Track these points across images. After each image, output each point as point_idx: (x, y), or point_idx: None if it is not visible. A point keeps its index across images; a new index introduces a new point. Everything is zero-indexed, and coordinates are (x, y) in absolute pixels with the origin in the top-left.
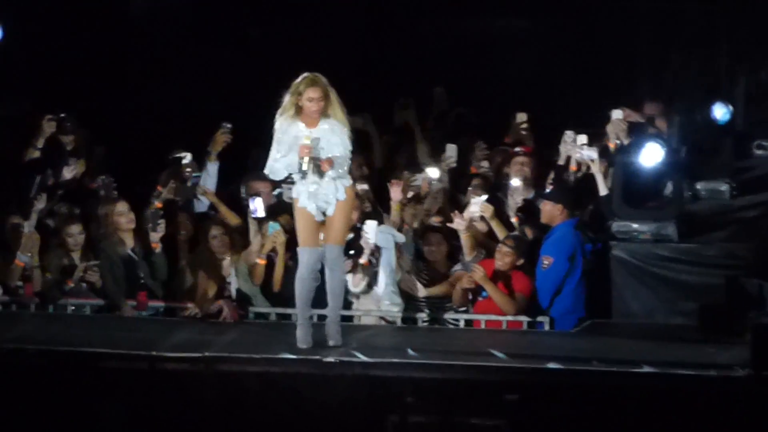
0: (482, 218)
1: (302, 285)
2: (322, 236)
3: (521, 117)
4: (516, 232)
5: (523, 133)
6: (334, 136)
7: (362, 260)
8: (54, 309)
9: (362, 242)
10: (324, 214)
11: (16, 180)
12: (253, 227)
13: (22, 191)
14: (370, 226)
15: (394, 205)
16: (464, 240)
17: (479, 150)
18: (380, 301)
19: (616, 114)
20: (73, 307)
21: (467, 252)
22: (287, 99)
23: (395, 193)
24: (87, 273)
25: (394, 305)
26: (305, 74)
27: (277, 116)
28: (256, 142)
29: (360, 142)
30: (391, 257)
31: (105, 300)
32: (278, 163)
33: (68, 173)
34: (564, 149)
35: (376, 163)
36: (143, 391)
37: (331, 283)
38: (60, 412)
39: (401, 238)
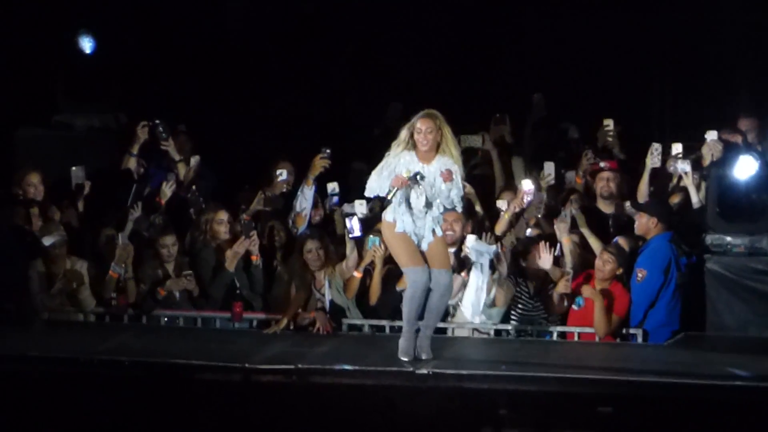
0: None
1: (413, 303)
2: None
3: (608, 123)
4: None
5: (610, 139)
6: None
7: (464, 274)
8: (147, 320)
9: (464, 256)
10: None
11: (113, 191)
12: (349, 244)
13: (119, 201)
14: (470, 240)
15: (505, 216)
16: (566, 247)
17: (586, 159)
18: (472, 314)
19: (711, 135)
20: (167, 319)
21: (568, 262)
22: (402, 132)
23: (506, 203)
24: (184, 279)
25: (487, 317)
26: (425, 110)
27: (392, 146)
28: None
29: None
30: (483, 271)
31: (204, 306)
32: (374, 182)
33: (168, 189)
34: (650, 161)
35: (498, 181)
36: (237, 404)
37: (437, 304)
38: (154, 424)
39: (493, 249)
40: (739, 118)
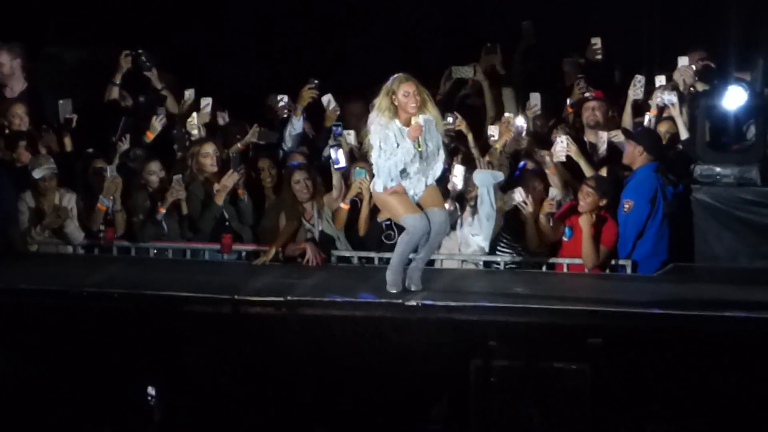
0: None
1: (409, 246)
2: None
3: (596, 41)
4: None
5: (598, 57)
6: (429, 132)
7: (447, 205)
8: (136, 252)
9: (449, 186)
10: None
11: (101, 123)
12: (335, 175)
13: (106, 134)
14: (459, 171)
15: (496, 145)
16: (552, 177)
17: (578, 88)
18: (484, 239)
19: (683, 61)
20: (155, 251)
21: (558, 190)
22: (381, 101)
23: (496, 133)
24: (174, 189)
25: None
26: (395, 75)
27: (371, 121)
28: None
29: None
30: (490, 197)
31: (193, 239)
32: (389, 161)
33: (158, 123)
34: (633, 93)
35: (489, 112)
36: (227, 335)
37: (433, 241)
38: (144, 357)
39: (501, 176)
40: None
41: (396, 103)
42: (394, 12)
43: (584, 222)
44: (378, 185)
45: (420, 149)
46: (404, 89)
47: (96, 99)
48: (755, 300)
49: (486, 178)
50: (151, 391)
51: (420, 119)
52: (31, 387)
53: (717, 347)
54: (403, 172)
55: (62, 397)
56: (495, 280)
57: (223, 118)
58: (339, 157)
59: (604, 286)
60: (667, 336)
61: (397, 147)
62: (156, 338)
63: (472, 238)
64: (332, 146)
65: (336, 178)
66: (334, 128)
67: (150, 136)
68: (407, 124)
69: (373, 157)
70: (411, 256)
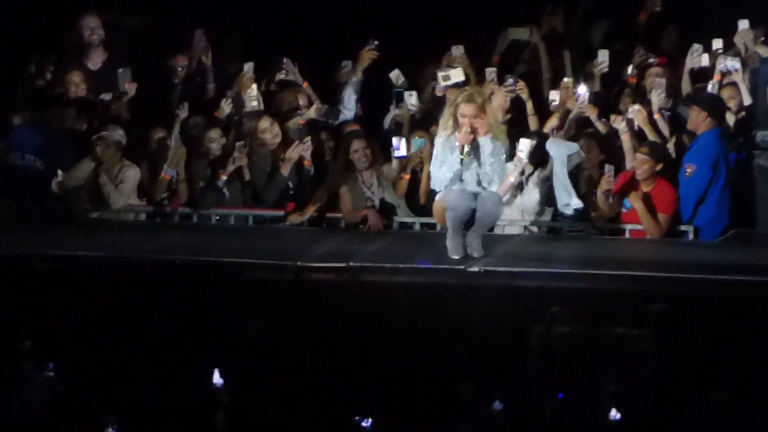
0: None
1: (455, 222)
2: None
3: None
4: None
5: (657, 9)
6: (486, 158)
7: (511, 177)
8: (198, 219)
9: (514, 161)
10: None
11: (160, 92)
12: (395, 162)
13: (165, 102)
14: (524, 144)
15: (557, 113)
16: (626, 145)
17: (638, 55)
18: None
19: (743, 24)
20: (218, 217)
21: (629, 159)
22: (445, 109)
23: (557, 99)
24: (236, 156)
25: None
26: (467, 88)
27: (439, 128)
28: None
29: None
30: (564, 168)
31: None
32: (440, 171)
33: (226, 106)
34: (690, 62)
35: (544, 75)
36: (288, 302)
37: (483, 220)
38: (205, 324)
39: (574, 147)
40: None
41: (456, 118)
42: None
43: (635, 200)
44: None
45: (463, 157)
46: (462, 110)
47: (156, 67)
48: None
49: (560, 149)
50: (217, 375)
51: (469, 132)
52: (91, 357)
53: None
54: (453, 182)
55: (123, 366)
56: (557, 246)
57: (293, 74)
58: (401, 145)
59: (666, 252)
60: (729, 302)
61: (445, 161)
62: (217, 305)
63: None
64: (395, 135)
65: (395, 164)
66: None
67: (218, 115)
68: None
69: (432, 160)
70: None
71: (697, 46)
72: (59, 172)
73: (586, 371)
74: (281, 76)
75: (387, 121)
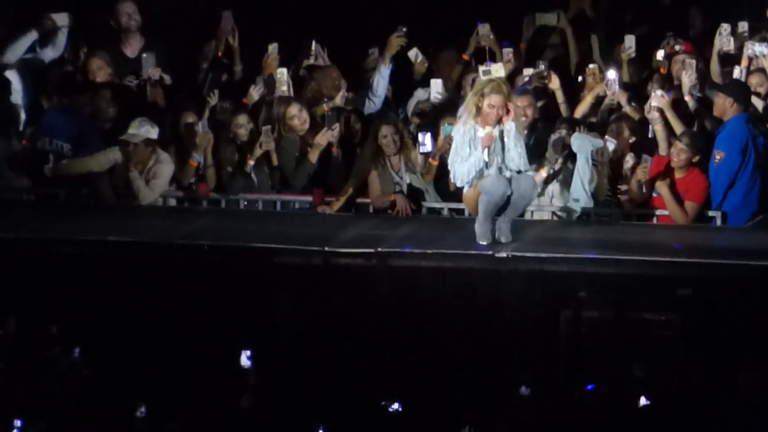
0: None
1: (489, 206)
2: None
3: None
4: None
5: None
6: (510, 142)
7: (542, 171)
8: (226, 204)
9: (547, 155)
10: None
11: (190, 76)
12: (420, 158)
13: (196, 86)
14: (557, 140)
15: (588, 97)
16: (659, 132)
17: (666, 44)
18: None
19: None
20: (246, 202)
21: (663, 146)
22: (470, 98)
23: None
24: (264, 141)
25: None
26: (492, 77)
27: (459, 114)
28: None
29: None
30: (589, 164)
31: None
32: (462, 166)
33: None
34: (719, 42)
35: (573, 59)
36: (317, 287)
37: (517, 204)
38: (233, 308)
39: (599, 143)
40: None
41: (480, 106)
42: None
43: (662, 187)
44: (466, 187)
45: (487, 161)
46: (490, 100)
47: (185, 51)
48: None
49: (584, 144)
50: (245, 356)
51: (495, 131)
52: (120, 341)
53: None
54: (480, 173)
55: (151, 350)
56: (585, 231)
57: (323, 58)
58: (426, 140)
59: (694, 237)
60: (757, 286)
61: (469, 155)
62: (245, 290)
63: (574, 202)
64: (421, 129)
65: (421, 160)
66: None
67: (246, 102)
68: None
69: (450, 154)
70: None
71: (725, 26)
72: (51, 157)
73: (615, 356)
74: (310, 61)
75: (410, 107)
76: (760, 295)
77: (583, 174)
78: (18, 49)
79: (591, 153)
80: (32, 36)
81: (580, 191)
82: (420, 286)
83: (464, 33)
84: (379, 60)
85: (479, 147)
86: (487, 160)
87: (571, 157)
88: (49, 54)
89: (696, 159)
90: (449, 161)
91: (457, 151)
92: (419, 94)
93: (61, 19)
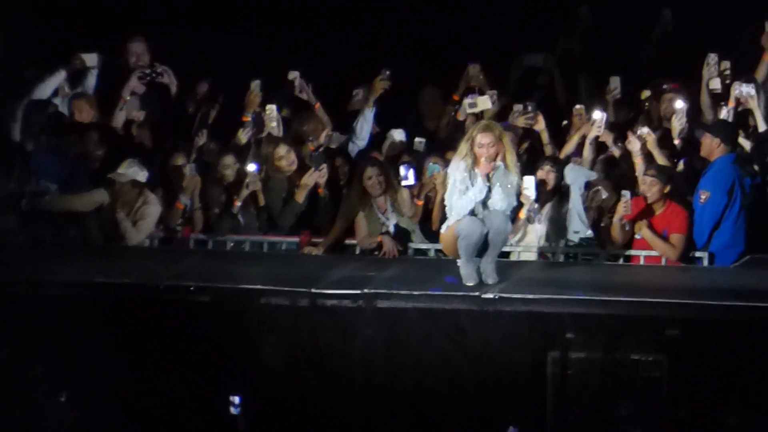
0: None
1: (468, 250)
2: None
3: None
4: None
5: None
6: (496, 183)
7: (521, 214)
8: (213, 245)
9: (522, 198)
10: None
11: (179, 117)
12: (404, 192)
13: (186, 127)
14: (529, 182)
15: (574, 137)
16: (638, 166)
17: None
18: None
19: None
20: (232, 243)
21: (641, 182)
22: (461, 146)
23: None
24: (250, 182)
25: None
26: (482, 120)
27: (451, 163)
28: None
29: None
30: (579, 193)
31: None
32: (461, 200)
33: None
34: (707, 73)
35: (560, 100)
36: (304, 328)
37: (495, 241)
38: (221, 349)
39: (592, 175)
40: None
41: (474, 150)
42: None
43: (643, 231)
44: (444, 227)
45: (490, 184)
46: (480, 139)
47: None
48: None
49: (578, 176)
50: (234, 399)
51: (490, 161)
52: (107, 383)
53: None
54: (471, 213)
55: (139, 392)
56: (571, 272)
57: (307, 93)
58: (409, 174)
59: (681, 278)
60: (745, 328)
61: (467, 189)
62: (233, 331)
63: (574, 234)
64: (403, 163)
65: (405, 194)
66: (402, 172)
67: (234, 143)
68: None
69: (447, 196)
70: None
71: (712, 56)
72: (26, 191)
73: (602, 397)
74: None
75: (385, 148)
76: (748, 336)
77: (578, 205)
78: (46, 89)
79: (584, 186)
80: (61, 76)
81: (578, 223)
82: (407, 327)
83: (454, 74)
84: (364, 105)
85: (478, 180)
86: (489, 186)
87: (558, 196)
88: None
89: (667, 189)
90: (446, 197)
91: (456, 186)
92: (394, 135)
93: (91, 59)
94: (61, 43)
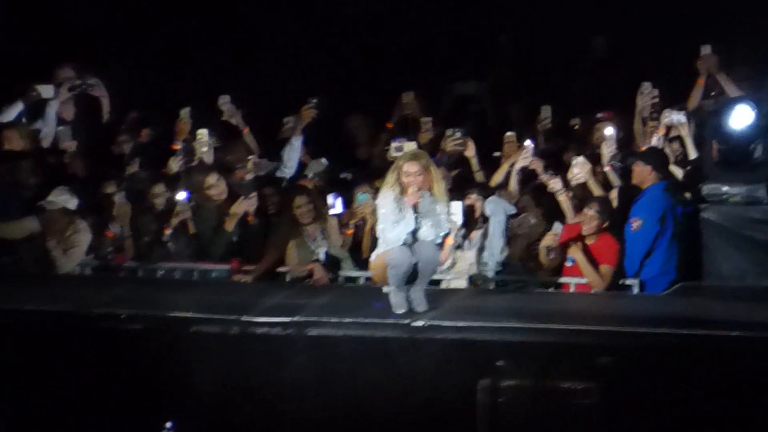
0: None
1: (397, 279)
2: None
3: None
4: (603, 195)
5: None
6: (421, 212)
7: (449, 240)
8: (144, 273)
9: (450, 224)
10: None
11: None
12: (332, 221)
13: (118, 156)
14: (456, 208)
15: (503, 166)
16: (564, 204)
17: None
18: (478, 267)
19: (706, 50)
20: (163, 271)
21: (569, 217)
22: (388, 175)
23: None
24: (180, 211)
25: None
26: (407, 150)
27: (380, 192)
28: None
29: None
30: (501, 227)
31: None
32: (393, 231)
33: (175, 164)
34: (641, 102)
35: (491, 125)
36: (235, 356)
37: (424, 271)
38: (151, 377)
39: (512, 209)
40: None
41: (401, 180)
42: (397, 27)
43: (575, 252)
44: (374, 255)
45: (418, 215)
46: (407, 168)
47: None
48: (763, 319)
49: (498, 208)
50: (166, 425)
51: (417, 191)
52: (39, 412)
53: (725, 367)
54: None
55: (71, 421)
56: (502, 299)
57: (236, 119)
58: (337, 203)
59: (612, 306)
60: (676, 355)
61: (399, 219)
62: (164, 359)
63: (482, 267)
64: (331, 192)
65: (333, 222)
66: (330, 201)
67: (165, 172)
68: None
69: (379, 228)
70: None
71: (646, 84)
72: None
73: (533, 425)
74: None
75: (309, 175)
76: (679, 364)
77: (494, 238)
78: (3, 120)
79: (506, 220)
80: (18, 107)
81: (488, 256)
82: (338, 355)
83: (389, 102)
84: (292, 133)
85: (408, 212)
86: (417, 217)
87: (488, 223)
88: (44, 130)
89: (605, 225)
90: (378, 229)
91: (388, 217)
92: (314, 166)
93: (46, 90)
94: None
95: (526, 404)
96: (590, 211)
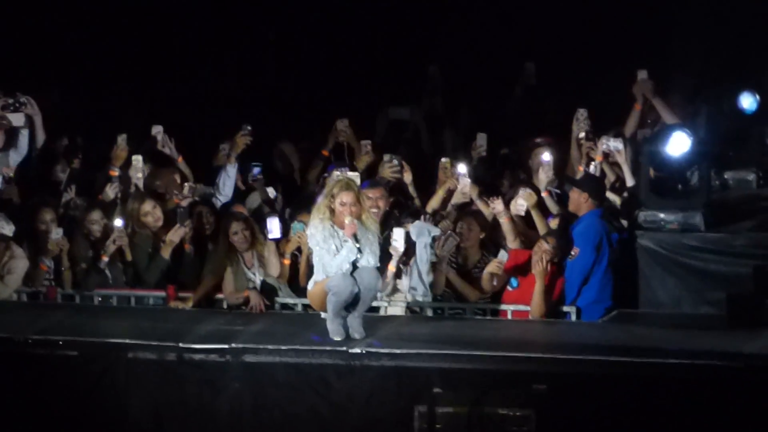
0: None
1: (337, 306)
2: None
3: (529, 65)
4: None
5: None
6: (365, 245)
7: (390, 266)
8: (81, 299)
9: (391, 249)
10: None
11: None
12: (270, 246)
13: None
14: (399, 234)
15: (439, 192)
16: (506, 227)
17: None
18: (408, 292)
19: (642, 74)
20: (100, 298)
21: (510, 240)
22: (321, 201)
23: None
24: (117, 237)
25: (424, 297)
26: (340, 178)
27: (311, 220)
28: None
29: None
30: (427, 252)
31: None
32: (335, 260)
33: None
34: (576, 128)
35: (426, 151)
36: (171, 382)
37: (365, 297)
38: (90, 403)
39: (437, 231)
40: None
41: (333, 207)
42: (330, 52)
43: (539, 275)
44: (311, 283)
45: (359, 245)
46: (342, 198)
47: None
48: (698, 346)
49: (422, 232)
50: None
51: (353, 221)
52: None
53: (660, 394)
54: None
55: None
56: (439, 326)
57: (170, 148)
58: (273, 227)
59: (549, 333)
60: (611, 382)
61: (338, 249)
62: (101, 386)
63: (412, 291)
64: (268, 215)
65: (272, 248)
66: (268, 225)
67: (101, 199)
68: (342, 226)
69: (316, 258)
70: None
71: (582, 111)
72: None
73: None
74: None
75: (250, 202)
76: (614, 391)
77: (420, 262)
78: None
79: (430, 243)
80: None
81: (417, 280)
82: (274, 381)
83: (323, 128)
84: (226, 161)
85: (348, 241)
86: (356, 245)
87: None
88: (14, 158)
89: (557, 260)
90: (314, 260)
91: (322, 248)
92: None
93: (17, 119)
94: None
95: (463, 431)
96: (546, 245)
